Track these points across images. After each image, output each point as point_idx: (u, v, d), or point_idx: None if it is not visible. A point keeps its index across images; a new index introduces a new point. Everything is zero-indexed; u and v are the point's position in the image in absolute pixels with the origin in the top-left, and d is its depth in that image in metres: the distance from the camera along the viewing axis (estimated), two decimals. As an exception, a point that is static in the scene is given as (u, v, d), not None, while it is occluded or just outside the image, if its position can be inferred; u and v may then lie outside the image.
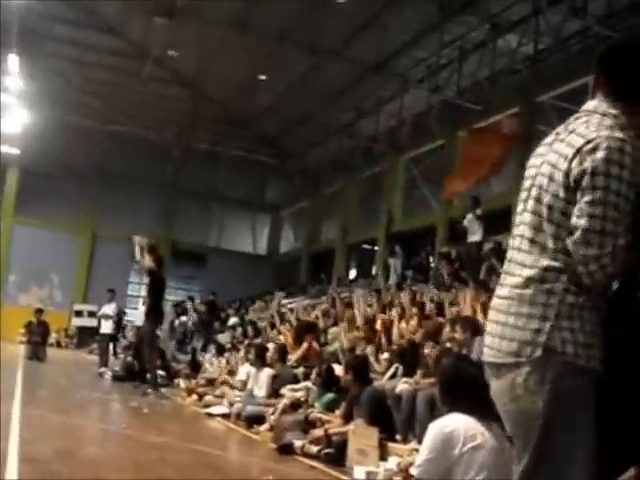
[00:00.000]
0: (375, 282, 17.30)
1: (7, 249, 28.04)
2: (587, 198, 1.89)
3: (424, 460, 3.34)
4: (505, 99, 17.57)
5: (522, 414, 1.95)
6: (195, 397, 10.94)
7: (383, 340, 9.05)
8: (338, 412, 7.03)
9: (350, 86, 22.44)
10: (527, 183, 2.13)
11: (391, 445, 6.29)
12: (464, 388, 3.55)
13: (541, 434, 1.91)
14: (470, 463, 3.25)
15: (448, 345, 7.21)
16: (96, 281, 27.45)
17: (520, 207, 2.14)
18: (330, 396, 7.47)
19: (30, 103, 24.74)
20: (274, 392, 8.87)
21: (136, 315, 17.10)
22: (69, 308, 26.64)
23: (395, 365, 7.90)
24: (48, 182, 27.45)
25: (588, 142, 1.93)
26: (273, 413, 7.87)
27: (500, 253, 12.23)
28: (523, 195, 2.14)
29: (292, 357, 10.22)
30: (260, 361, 9.58)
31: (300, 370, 9.47)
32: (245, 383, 9.84)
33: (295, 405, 7.96)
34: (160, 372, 13.05)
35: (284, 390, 8.68)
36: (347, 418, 6.75)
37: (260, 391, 9.06)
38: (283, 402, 8.08)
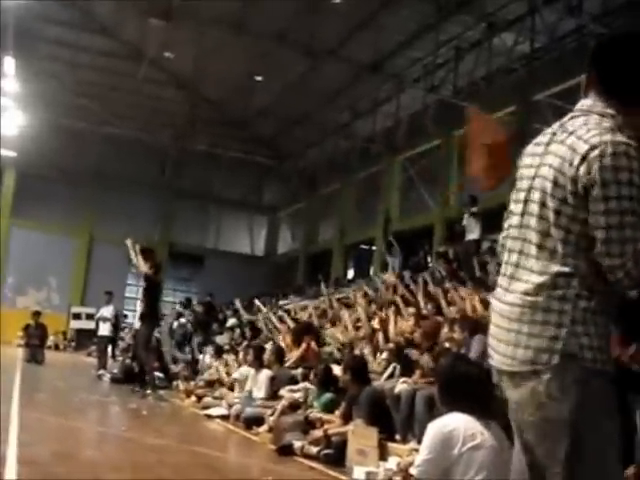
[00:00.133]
0: (373, 282, 17.28)
1: (4, 252, 28.00)
2: (602, 208, 1.89)
3: (424, 460, 3.34)
4: (501, 98, 17.59)
5: (548, 422, 1.95)
6: (194, 399, 10.93)
7: (381, 338, 9.06)
8: (337, 412, 7.03)
9: (346, 86, 22.45)
10: (524, 184, 2.12)
11: (390, 445, 6.29)
12: (463, 388, 3.55)
13: (572, 439, 1.91)
14: (470, 463, 3.25)
15: (447, 345, 7.22)
16: (94, 283, 27.42)
17: (518, 208, 2.12)
18: (328, 396, 7.46)
19: (27, 105, 24.70)
20: (272, 393, 8.87)
21: (136, 317, 17.12)
22: (67, 311, 26.61)
23: (393, 365, 7.90)
24: (45, 184, 27.43)
25: (593, 148, 1.91)
26: (272, 414, 7.87)
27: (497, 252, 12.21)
28: (520, 195, 2.12)
29: (291, 358, 10.21)
30: (258, 362, 9.59)
31: (299, 371, 9.46)
32: (240, 383, 9.83)
33: (294, 406, 7.96)
34: (158, 374, 13.07)
35: (283, 391, 8.67)
36: (346, 418, 6.75)
37: (259, 392, 9.05)
38: (282, 403, 8.07)
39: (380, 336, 9.13)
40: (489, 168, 9.35)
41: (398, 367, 7.71)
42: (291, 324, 12.92)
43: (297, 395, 8.23)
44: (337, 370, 8.08)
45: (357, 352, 8.97)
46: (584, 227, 1.93)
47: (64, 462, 5.14)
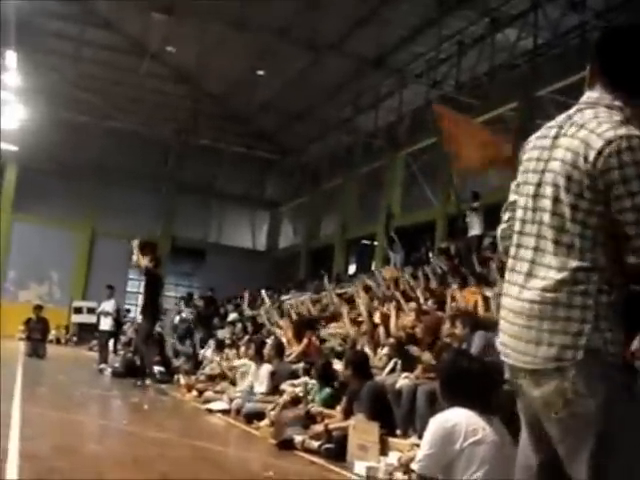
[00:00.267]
0: (375, 277, 17.28)
1: (6, 246, 28.02)
2: (628, 205, 1.89)
3: (425, 455, 3.34)
4: (504, 93, 17.57)
5: (575, 418, 1.93)
6: (195, 393, 10.94)
7: (382, 333, 9.06)
8: (338, 408, 7.03)
9: (349, 81, 22.42)
10: (531, 177, 2.10)
11: (391, 440, 6.29)
12: (464, 383, 3.56)
13: (599, 434, 1.91)
14: (471, 458, 3.25)
15: (448, 340, 7.22)
16: (95, 278, 27.45)
17: (525, 202, 2.11)
18: (328, 391, 7.46)
19: (28, 99, 24.71)
20: (273, 388, 8.88)
21: (138, 312, 17.16)
22: (68, 305, 26.65)
23: (394, 360, 7.91)
24: (47, 179, 27.44)
25: (609, 143, 1.91)
26: (273, 409, 7.87)
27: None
28: (527, 189, 2.11)
29: (293, 353, 10.23)
30: (260, 357, 9.60)
31: (300, 365, 9.47)
32: (242, 373, 9.85)
33: (295, 401, 7.96)
34: (160, 368, 13.11)
35: (284, 385, 8.68)
36: (347, 413, 6.75)
37: (260, 387, 9.06)
38: (283, 398, 8.08)
39: (381, 331, 9.13)
40: (475, 152, 9.41)
41: (399, 362, 7.71)
42: (293, 318, 12.93)
43: (298, 390, 8.24)
44: (338, 365, 8.09)
45: (358, 347, 8.98)
46: (601, 220, 1.93)
47: (66, 456, 5.14)
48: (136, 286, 28.08)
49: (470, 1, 17.41)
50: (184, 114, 27.71)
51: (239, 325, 16.41)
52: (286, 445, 6.54)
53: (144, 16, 21.14)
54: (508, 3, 17.20)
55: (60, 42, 24.67)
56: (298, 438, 6.56)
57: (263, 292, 17.21)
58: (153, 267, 12.26)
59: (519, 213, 2.14)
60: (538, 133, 2.17)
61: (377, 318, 9.83)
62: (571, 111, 2.10)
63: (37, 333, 17.41)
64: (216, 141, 28.91)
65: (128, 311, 26.04)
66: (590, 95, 2.10)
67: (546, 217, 2.02)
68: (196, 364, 14.18)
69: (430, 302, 9.86)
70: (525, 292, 2.03)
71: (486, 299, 8.35)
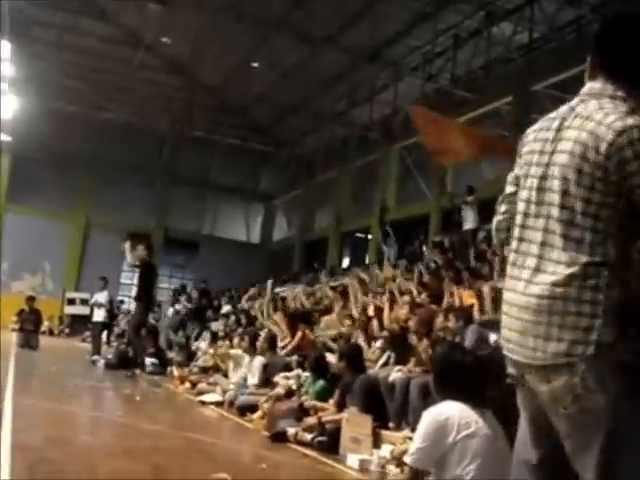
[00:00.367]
0: (368, 271, 17.29)
1: (-1, 237, 27.93)
2: None
3: (418, 448, 3.34)
4: (499, 88, 17.55)
5: (585, 413, 1.91)
6: (188, 385, 10.94)
7: (375, 326, 9.07)
8: (331, 401, 7.04)
9: (344, 74, 22.35)
10: (537, 170, 2.07)
11: (384, 433, 6.31)
12: (457, 376, 3.56)
13: (609, 430, 1.89)
14: (464, 451, 3.26)
15: (441, 334, 7.23)
16: (88, 269, 27.38)
17: (532, 196, 2.07)
18: (321, 384, 7.47)
19: (22, 90, 24.57)
20: (265, 380, 8.89)
21: (132, 303, 17.15)
22: (61, 296, 26.59)
23: (387, 353, 7.92)
24: (40, 170, 27.31)
25: (619, 134, 1.90)
26: (266, 401, 7.88)
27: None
28: (532, 183, 2.08)
29: (288, 346, 10.25)
30: (253, 349, 9.61)
31: (293, 358, 9.48)
32: (235, 360, 9.86)
33: (288, 393, 7.97)
34: (153, 360, 13.12)
35: (277, 378, 8.69)
36: (340, 406, 6.76)
37: (253, 379, 9.08)
38: (277, 390, 8.09)
39: (375, 324, 9.14)
40: (452, 148, 9.55)
41: (393, 355, 7.73)
42: (287, 311, 12.93)
43: (291, 382, 8.25)
44: (331, 358, 8.10)
45: (352, 340, 9.00)
46: (612, 212, 1.91)
47: (58, 447, 5.14)
48: (129, 278, 27.99)
49: (466, -5, 17.38)
50: (178, 105, 27.61)
51: (233, 317, 16.42)
52: (279, 437, 6.55)
53: (139, 6, 21.02)
54: (504, -3, 17.17)
55: (54, 33, 24.51)
56: (291, 430, 6.57)
57: (269, 283, 17.08)
58: (147, 257, 12.29)
59: (521, 206, 2.12)
60: (538, 125, 2.14)
61: (371, 311, 9.84)
62: (573, 102, 2.08)
63: (30, 324, 17.36)
64: (210, 133, 28.82)
65: (122, 302, 26.00)
66: (593, 86, 2.08)
67: (554, 211, 2.00)
68: (189, 356, 14.18)
69: (424, 295, 9.88)
70: (532, 287, 2.01)
71: (482, 301, 8.33)
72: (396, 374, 6.76)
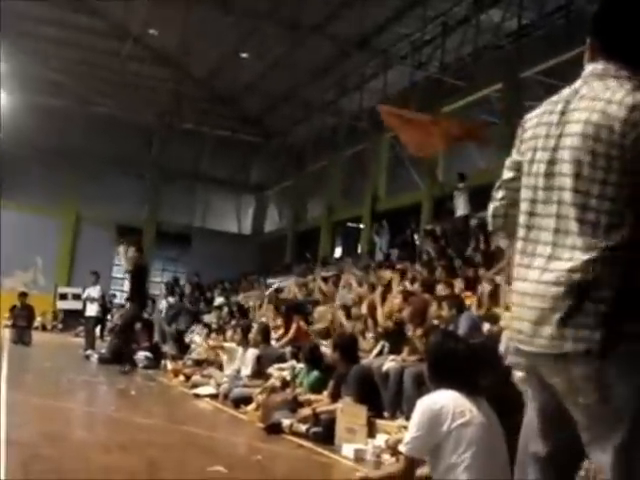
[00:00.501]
0: (361, 261, 17.31)
1: (-11, 233, 27.74)
2: None
3: (412, 437, 3.34)
4: (489, 75, 17.52)
5: (605, 403, 1.84)
6: (182, 378, 10.93)
7: (370, 324, 9.06)
8: (325, 391, 7.05)
9: (333, 63, 22.28)
10: (543, 155, 2.01)
11: (379, 422, 6.32)
12: (451, 364, 3.56)
13: (630, 421, 1.81)
14: (459, 439, 3.26)
15: (435, 322, 7.24)
16: (80, 264, 27.26)
17: (539, 182, 2.01)
18: (315, 374, 7.48)
19: (9, 84, 24.37)
20: (259, 372, 8.89)
21: (124, 298, 17.13)
22: (53, 291, 26.49)
23: (381, 343, 7.93)
24: (30, 164, 27.13)
25: (632, 110, 1.85)
26: (261, 393, 7.88)
27: (486, 229, 12.23)
28: (539, 168, 2.02)
29: (283, 339, 10.26)
30: (247, 341, 9.61)
31: (288, 349, 9.48)
32: (229, 354, 9.86)
33: (283, 384, 7.98)
34: (147, 354, 13.11)
35: (271, 369, 8.69)
36: (335, 396, 6.77)
37: (246, 370, 9.08)
38: (271, 382, 8.09)
39: (369, 322, 9.13)
40: (421, 139, 9.85)
41: (387, 345, 7.73)
42: (280, 303, 12.93)
43: (285, 373, 8.25)
44: (325, 349, 8.11)
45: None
46: (631, 191, 1.85)
47: (53, 443, 5.12)
48: (121, 271, 27.92)
49: (454, -18, 17.33)
50: (167, 98, 27.44)
51: (225, 309, 16.41)
52: (274, 429, 6.56)
53: (125, -2, 20.86)
54: (492, -17, 17.12)
55: (41, 26, 24.24)
56: (286, 422, 6.58)
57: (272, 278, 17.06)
58: (138, 258, 12.31)
59: (527, 193, 2.05)
60: (540, 109, 2.09)
61: (364, 309, 9.79)
62: (576, 85, 2.03)
63: (22, 320, 17.31)
64: (200, 125, 28.68)
65: (114, 296, 25.94)
66: (595, 67, 2.03)
67: (566, 195, 1.93)
68: (181, 348, 14.16)
69: (416, 285, 9.88)
70: (547, 274, 1.93)
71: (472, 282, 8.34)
72: (390, 363, 6.77)
